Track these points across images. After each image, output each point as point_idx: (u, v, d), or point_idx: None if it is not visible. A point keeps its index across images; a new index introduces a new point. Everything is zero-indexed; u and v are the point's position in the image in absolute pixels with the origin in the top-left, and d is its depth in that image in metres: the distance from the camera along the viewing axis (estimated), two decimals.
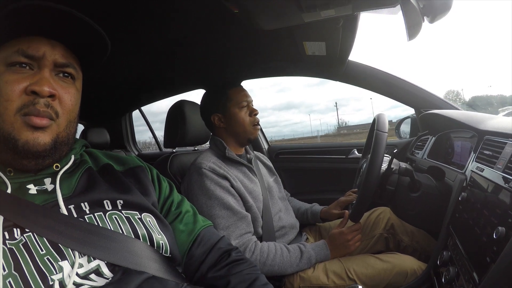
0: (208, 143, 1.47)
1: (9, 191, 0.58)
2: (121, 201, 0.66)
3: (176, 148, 1.54)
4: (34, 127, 0.57)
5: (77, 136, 0.71)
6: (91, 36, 0.64)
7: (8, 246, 0.51)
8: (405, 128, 1.92)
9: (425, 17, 0.85)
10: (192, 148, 1.67)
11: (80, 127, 2.72)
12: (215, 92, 1.33)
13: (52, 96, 0.58)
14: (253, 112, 1.31)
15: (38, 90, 0.56)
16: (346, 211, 1.38)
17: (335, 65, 1.62)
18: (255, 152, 1.52)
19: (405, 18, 0.86)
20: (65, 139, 0.63)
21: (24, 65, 0.59)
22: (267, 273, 1.07)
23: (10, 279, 0.48)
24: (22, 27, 0.59)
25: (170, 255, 0.67)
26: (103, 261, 0.57)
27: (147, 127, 3.17)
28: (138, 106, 2.77)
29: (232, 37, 1.32)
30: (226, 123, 1.30)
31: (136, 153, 3.03)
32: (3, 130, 0.56)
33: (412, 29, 0.90)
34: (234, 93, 1.30)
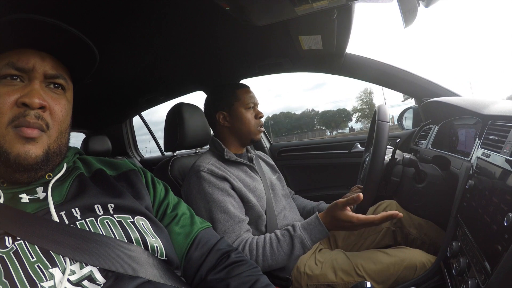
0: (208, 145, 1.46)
1: (1, 201, 0.58)
2: (112, 205, 0.66)
3: (177, 151, 1.52)
4: (25, 139, 0.57)
5: (79, 145, 0.72)
6: (80, 47, 0.65)
7: None
8: (408, 118, 1.90)
9: (420, 1, 0.83)
10: (193, 151, 1.65)
11: (81, 136, 2.73)
12: (222, 90, 1.32)
13: (42, 107, 0.59)
14: (258, 115, 1.31)
15: (28, 102, 0.57)
16: (348, 207, 1.35)
17: (332, 59, 1.59)
18: (256, 151, 1.50)
19: (400, 4, 0.84)
20: (57, 150, 0.64)
21: (15, 77, 0.59)
22: (264, 269, 1.01)
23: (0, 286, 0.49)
24: (11, 41, 0.60)
25: (166, 259, 0.66)
26: (96, 267, 0.56)
27: (149, 136, 3.19)
28: (138, 111, 2.77)
29: (226, 36, 1.31)
30: (230, 122, 1.29)
31: (139, 159, 3.03)
32: None
33: (408, 15, 0.88)
34: (241, 93, 1.30)
